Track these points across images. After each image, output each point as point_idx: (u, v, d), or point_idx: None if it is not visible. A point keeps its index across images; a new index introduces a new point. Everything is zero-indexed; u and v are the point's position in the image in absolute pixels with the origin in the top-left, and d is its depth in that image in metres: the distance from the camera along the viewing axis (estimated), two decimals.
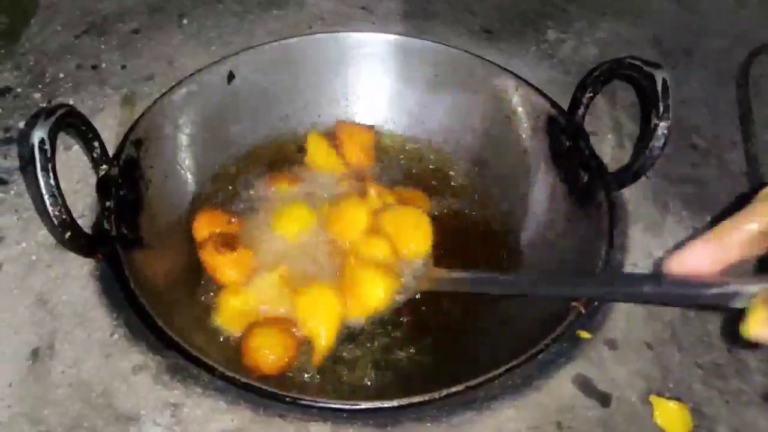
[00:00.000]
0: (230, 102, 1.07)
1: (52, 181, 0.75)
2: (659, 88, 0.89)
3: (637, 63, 0.92)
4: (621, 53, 0.98)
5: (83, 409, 0.74)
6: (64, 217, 0.76)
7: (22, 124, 1.04)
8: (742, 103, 1.19)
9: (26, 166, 0.92)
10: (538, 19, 1.35)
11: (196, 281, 0.92)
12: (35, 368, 0.78)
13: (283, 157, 1.11)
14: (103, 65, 1.15)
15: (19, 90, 1.10)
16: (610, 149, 1.08)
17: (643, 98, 1.08)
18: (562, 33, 1.32)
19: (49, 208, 0.75)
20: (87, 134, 0.86)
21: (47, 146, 0.75)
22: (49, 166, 0.75)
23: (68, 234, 0.77)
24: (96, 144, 0.87)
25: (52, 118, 0.76)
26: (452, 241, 1.00)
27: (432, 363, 0.86)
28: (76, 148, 0.99)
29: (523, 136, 1.06)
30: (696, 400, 0.80)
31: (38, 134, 0.74)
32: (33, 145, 0.74)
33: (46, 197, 0.75)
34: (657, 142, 0.90)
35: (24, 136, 1.00)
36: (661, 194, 1.02)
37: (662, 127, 0.89)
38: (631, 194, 1.01)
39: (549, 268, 0.94)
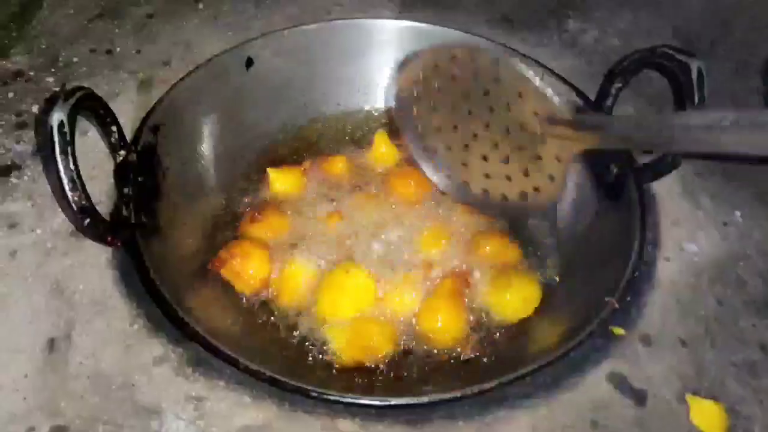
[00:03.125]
0: (248, 88, 1.05)
1: (71, 165, 0.72)
2: (694, 77, 0.87)
3: (671, 52, 0.90)
4: (643, 44, 0.96)
5: (102, 401, 0.72)
6: (84, 203, 0.74)
7: (35, 109, 1.01)
8: (767, 96, 1.17)
9: (44, 149, 0.91)
10: (559, 9, 1.32)
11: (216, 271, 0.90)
12: (52, 359, 0.75)
13: (303, 145, 1.09)
14: (118, 49, 1.12)
15: (31, 73, 1.07)
16: None
17: (675, 88, 1.05)
18: (584, 23, 1.30)
19: (69, 194, 0.73)
20: (105, 118, 0.83)
21: (66, 129, 0.72)
22: (69, 149, 0.72)
23: (88, 220, 0.75)
24: (114, 129, 0.84)
25: (71, 100, 0.74)
26: None
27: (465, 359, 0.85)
28: (91, 134, 0.96)
29: None
30: (730, 399, 0.78)
31: (57, 116, 0.72)
32: (51, 128, 0.71)
33: (65, 182, 0.72)
34: None
35: (40, 121, 0.98)
36: (689, 187, 1.00)
37: None
38: (659, 188, 0.98)
39: (579, 262, 0.92)
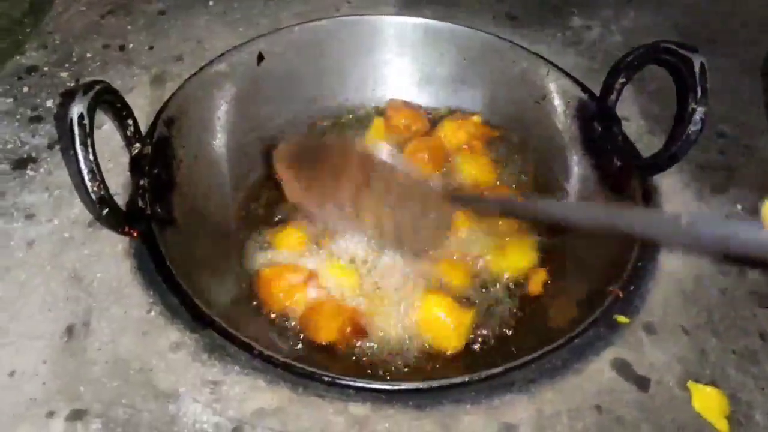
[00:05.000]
0: (260, 83, 1.07)
1: (91, 157, 0.74)
2: (697, 71, 0.89)
3: (674, 47, 0.92)
4: (645, 41, 0.98)
5: (121, 386, 0.74)
6: (102, 193, 0.76)
7: (50, 103, 1.03)
8: (767, 91, 1.18)
9: (63, 141, 0.93)
10: (562, 6, 1.34)
11: (229, 259, 0.92)
12: (70, 345, 0.77)
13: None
14: (131, 45, 1.14)
15: (45, 69, 1.09)
16: (641, 135, 1.07)
17: (678, 83, 1.07)
18: (587, 20, 1.31)
19: (88, 184, 0.75)
20: (122, 112, 0.85)
21: (86, 121, 0.74)
22: (88, 141, 0.74)
23: (106, 210, 0.77)
24: (130, 122, 0.86)
25: (90, 94, 0.76)
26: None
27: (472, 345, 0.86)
28: (106, 128, 0.98)
29: (554, 121, 1.05)
30: (732, 386, 0.80)
31: (77, 109, 0.74)
32: (72, 120, 0.73)
33: (85, 173, 0.74)
34: (694, 127, 0.89)
35: (60, 114, 1.00)
36: (691, 181, 1.01)
37: (700, 111, 0.89)
38: (661, 181, 1.00)
39: (584, 253, 0.94)
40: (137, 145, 0.87)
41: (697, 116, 0.88)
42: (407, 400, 0.74)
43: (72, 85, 1.06)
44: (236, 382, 0.74)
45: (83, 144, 0.74)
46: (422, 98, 1.16)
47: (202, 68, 1.01)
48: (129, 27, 1.18)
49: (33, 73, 1.08)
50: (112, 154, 0.95)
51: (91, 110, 0.75)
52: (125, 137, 0.87)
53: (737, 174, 1.04)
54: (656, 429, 0.75)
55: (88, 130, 0.74)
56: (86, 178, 0.74)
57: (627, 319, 0.83)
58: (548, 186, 1.03)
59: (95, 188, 0.75)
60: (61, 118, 0.88)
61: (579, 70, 1.15)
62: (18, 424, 0.71)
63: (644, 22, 1.33)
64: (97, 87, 0.78)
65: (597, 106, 1.00)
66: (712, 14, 1.36)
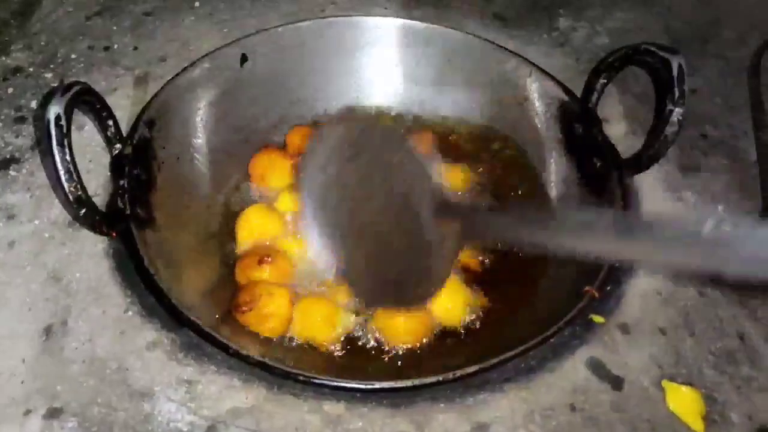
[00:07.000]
0: (243, 84, 1.07)
1: (68, 157, 0.75)
2: (675, 73, 0.89)
3: (653, 49, 0.92)
4: (633, 42, 0.98)
5: (98, 385, 0.74)
6: (79, 193, 0.76)
7: (34, 104, 1.03)
8: (754, 93, 1.19)
9: (41, 142, 0.93)
10: (550, 7, 1.34)
11: (208, 261, 0.92)
12: (49, 344, 0.78)
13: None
14: (116, 46, 1.15)
15: (30, 69, 1.10)
16: (623, 136, 1.07)
17: (657, 84, 1.07)
18: (575, 21, 1.31)
19: (65, 184, 0.75)
20: (102, 112, 0.86)
21: (63, 122, 0.74)
22: (65, 141, 0.74)
23: (83, 211, 0.77)
24: (110, 123, 0.87)
25: (69, 95, 0.76)
26: None
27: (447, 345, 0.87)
28: (88, 129, 0.99)
29: (536, 122, 1.06)
30: (708, 386, 0.80)
31: (54, 110, 0.74)
32: (49, 121, 0.74)
33: (61, 173, 0.75)
34: (671, 128, 0.90)
35: (39, 115, 1.00)
36: (672, 182, 1.02)
37: (677, 113, 0.89)
38: (642, 182, 1.00)
39: None
40: (118, 145, 0.88)
41: (674, 118, 0.89)
42: (381, 399, 0.74)
43: (56, 85, 1.06)
44: (211, 381, 0.75)
45: (60, 144, 0.74)
46: (406, 98, 1.16)
47: (184, 69, 1.01)
48: (114, 28, 1.18)
49: (18, 74, 1.09)
50: (94, 155, 0.96)
51: (69, 111, 0.76)
52: (105, 138, 0.88)
53: (719, 176, 1.05)
54: (630, 428, 0.75)
55: (65, 131, 0.74)
56: (63, 178, 0.75)
57: (602, 319, 0.83)
58: (527, 187, 1.03)
59: (72, 188, 0.75)
60: (39, 118, 0.89)
61: (566, 71, 1.15)
62: None
63: (632, 22, 1.33)
64: (76, 88, 0.78)
65: (578, 107, 1.00)
66: (700, 15, 1.36)
